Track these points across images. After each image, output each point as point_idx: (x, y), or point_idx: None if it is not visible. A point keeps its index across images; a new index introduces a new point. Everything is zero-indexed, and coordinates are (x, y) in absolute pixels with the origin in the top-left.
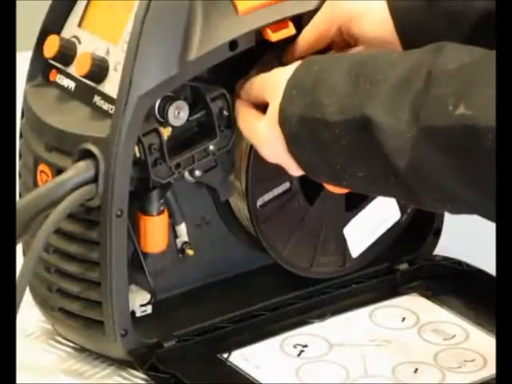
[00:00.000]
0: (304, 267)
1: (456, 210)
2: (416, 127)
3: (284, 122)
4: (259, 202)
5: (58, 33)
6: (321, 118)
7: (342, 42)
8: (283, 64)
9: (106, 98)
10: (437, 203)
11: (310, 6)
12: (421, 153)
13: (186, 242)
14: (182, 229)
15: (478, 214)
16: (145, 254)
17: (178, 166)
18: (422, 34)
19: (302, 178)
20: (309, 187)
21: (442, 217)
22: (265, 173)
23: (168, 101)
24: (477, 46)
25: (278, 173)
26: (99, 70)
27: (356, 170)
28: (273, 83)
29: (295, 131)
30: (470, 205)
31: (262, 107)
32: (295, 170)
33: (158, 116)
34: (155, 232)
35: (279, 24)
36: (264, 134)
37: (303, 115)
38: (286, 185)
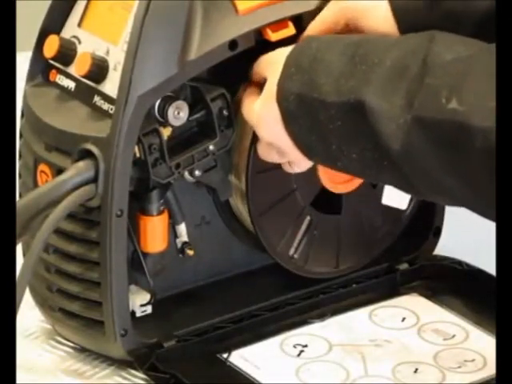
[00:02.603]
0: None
1: (451, 202)
2: (409, 114)
3: (282, 99)
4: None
5: (58, 33)
6: (317, 97)
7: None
8: None
9: (106, 98)
10: (432, 193)
11: (310, 6)
12: (413, 140)
13: (185, 242)
14: (182, 229)
15: (469, 208)
16: (145, 254)
17: (177, 165)
18: None
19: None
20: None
21: (442, 217)
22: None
23: (168, 101)
24: None
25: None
26: (99, 70)
27: (351, 151)
28: (273, 60)
29: (292, 109)
30: (460, 198)
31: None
32: (291, 151)
33: (157, 116)
34: (155, 232)
35: (279, 24)
36: (261, 111)
37: (300, 93)
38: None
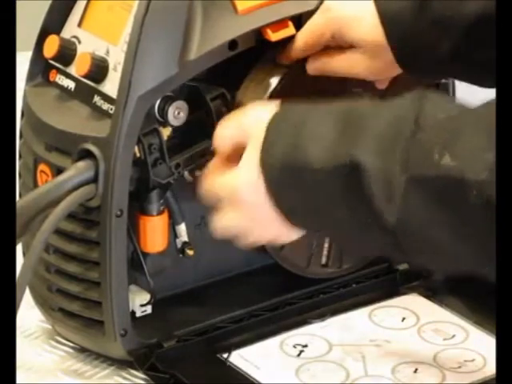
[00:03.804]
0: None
1: (439, 265)
2: (404, 176)
3: (266, 165)
4: None
5: (58, 33)
6: (305, 164)
7: (336, 45)
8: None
9: (106, 98)
10: (421, 256)
11: (310, 6)
12: (407, 202)
13: (186, 242)
14: (182, 229)
15: (459, 268)
16: (145, 254)
17: (177, 165)
18: (412, 41)
19: None
20: None
21: None
22: None
23: (168, 101)
24: (467, 52)
25: None
26: (99, 70)
27: (339, 217)
28: (249, 127)
29: (277, 176)
30: (453, 259)
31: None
32: (268, 223)
33: (157, 116)
34: (155, 232)
35: (279, 24)
36: (241, 181)
37: (285, 159)
38: None
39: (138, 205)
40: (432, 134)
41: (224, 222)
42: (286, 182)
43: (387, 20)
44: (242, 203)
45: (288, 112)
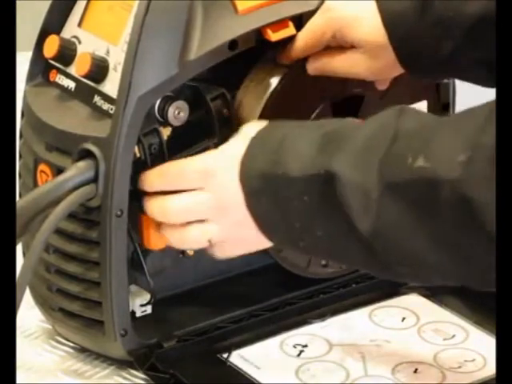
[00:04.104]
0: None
1: (421, 277)
2: (380, 185)
3: (245, 178)
4: None
5: (58, 33)
6: (283, 173)
7: (336, 46)
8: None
9: (106, 98)
10: (402, 268)
11: (310, 6)
12: (384, 209)
13: None
14: None
15: (441, 278)
16: (145, 254)
17: None
18: (414, 42)
19: None
20: None
21: None
22: None
23: (168, 101)
24: (469, 52)
25: None
26: (99, 70)
27: (316, 228)
28: (208, 170)
29: (256, 187)
30: (433, 267)
31: None
32: (250, 231)
33: (158, 116)
34: (157, 229)
35: (279, 24)
36: (225, 191)
37: (265, 171)
38: None
39: (138, 205)
40: (406, 141)
41: (200, 233)
42: (264, 192)
43: (389, 20)
44: (223, 214)
45: (271, 129)
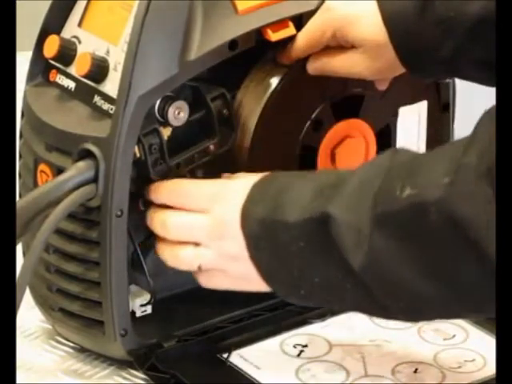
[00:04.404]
0: None
1: (416, 313)
2: (372, 221)
3: (246, 223)
4: None
5: (58, 33)
6: (280, 219)
7: (336, 45)
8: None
9: (106, 97)
10: (397, 305)
11: (310, 6)
12: (375, 244)
13: None
14: None
15: (434, 310)
16: (145, 254)
17: (178, 165)
18: (414, 41)
19: None
20: None
21: None
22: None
23: (168, 101)
24: (470, 51)
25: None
26: (99, 70)
27: (313, 275)
28: (216, 192)
29: (256, 233)
30: (425, 298)
31: None
32: (244, 267)
33: (158, 116)
34: None
35: (279, 24)
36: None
37: (264, 217)
38: None
39: (138, 205)
40: (395, 175)
41: (192, 255)
42: (263, 238)
43: (389, 19)
44: (219, 242)
45: (273, 178)
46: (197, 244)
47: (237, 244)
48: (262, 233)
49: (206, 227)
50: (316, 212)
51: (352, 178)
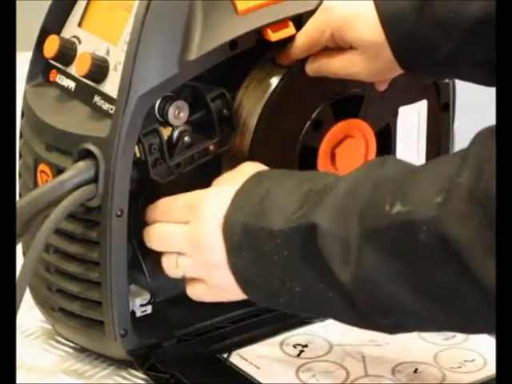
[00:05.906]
0: None
1: (401, 327)
2: (360, 235)
3: (228, 230)
4: None
5: (58, 33)
6: (264, 226)
7: (335, 46)
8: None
9: (106, 97)
10: (381, 319)
11: (310, 6)
12: (364, 260)
13: None
14: None
15: (422, 326)
16: (145, 254)
17: (177, 166)
18: (412, 41)
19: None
20: None
21: None
22: None
23: (168, 101)
24: (468, 52)
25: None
26: (99, 70)
27: (294, 284)
28: (193, 204)
29: (237, 240)
30: (413, 315)
31: None
32: (225, 277)
33: (158, 116)
34: None
35: (279, 24)
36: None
37: (247, 223)
38: None
39: (137, 205)
40: (384, 189)
41: (173, 263)
42: (245, 245)
43: (387, 20)
44: (198, 252)
45: (256, 181)
46: (180, 253)
47: (216, 253)
48: (245, 239)
49: (186, 236)
50: (301, 221)
51: (339, 186)
